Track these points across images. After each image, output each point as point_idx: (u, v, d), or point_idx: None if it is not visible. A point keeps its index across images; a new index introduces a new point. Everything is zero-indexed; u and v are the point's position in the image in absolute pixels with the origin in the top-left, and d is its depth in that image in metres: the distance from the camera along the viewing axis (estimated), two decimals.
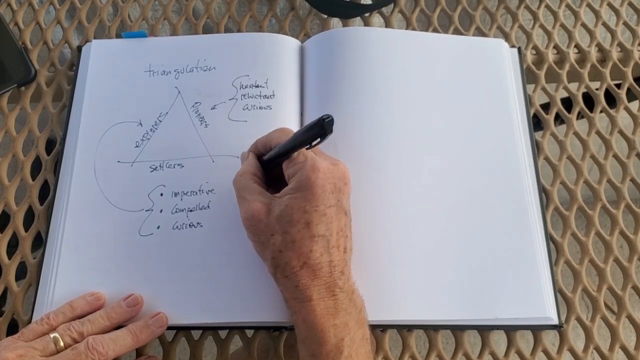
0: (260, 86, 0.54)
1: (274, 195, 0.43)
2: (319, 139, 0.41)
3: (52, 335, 0.42)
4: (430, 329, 0.48)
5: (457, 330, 0.49)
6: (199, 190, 0.50)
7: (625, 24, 0.63)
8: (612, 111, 0.58)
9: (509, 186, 0.51)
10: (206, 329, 0.48)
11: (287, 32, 0.61)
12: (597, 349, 0.49)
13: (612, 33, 0.62)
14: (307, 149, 0.42)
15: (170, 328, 0.46)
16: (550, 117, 0.57)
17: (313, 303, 0.40)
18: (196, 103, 0.54)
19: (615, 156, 0.56)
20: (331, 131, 0.40)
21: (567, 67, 0.60)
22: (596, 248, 0.52)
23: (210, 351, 0.48)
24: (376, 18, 0.64)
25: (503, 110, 0.55)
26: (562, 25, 0.63)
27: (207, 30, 0.62)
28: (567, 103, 0.58)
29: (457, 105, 0.54)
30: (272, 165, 0.45)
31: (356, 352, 0.40)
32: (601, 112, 0.58)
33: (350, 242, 0.43)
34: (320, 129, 0.40)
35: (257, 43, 0.56)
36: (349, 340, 0.40)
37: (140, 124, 0.53)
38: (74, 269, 0.48)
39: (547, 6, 0.64)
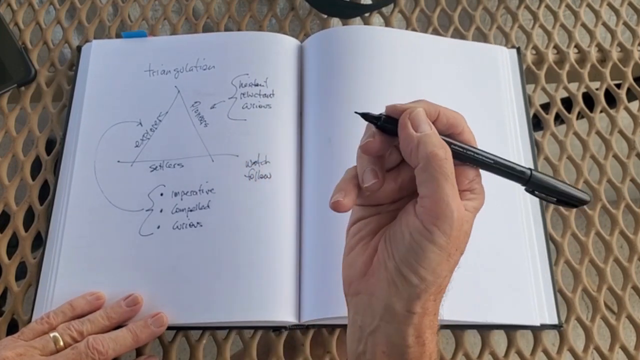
0: (260, 85, 0.54)
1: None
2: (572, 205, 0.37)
3: (52, 335, 0.42)
4: None
5: (457, 330, 0.49)
6: (199, 190, 0.50)
7: (625, 24, 0.63)
8: (612, 111, 0.58)
9: (501, 187, 0.51)
10: (206, 329, 0.48)
11: (287, 32, 0.61)
12: (597, 349, 0.49)
13: (612, 33, 0.62)
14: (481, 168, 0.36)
15: (170, 328, 0.46)
16: (550, 117, 0.57)
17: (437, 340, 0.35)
18: (196, 102, 0.54)
19: (615, 156, 0.56)
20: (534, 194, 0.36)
21: (567, 67, 0.60)
22: (596, 248, 0.52)
23: (210, 351, 0.48)
24: (376, 18, 0.64)
25: (496, 112, 0.54)
26: (562, 25, 0.63)
27: (207, 30, 0.62)
28: (567, 103, 0.58)
29: (453, 106, 0.54)
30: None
31: None
32: (601, 112, 0.58)
33: None
34: (582, 203, 0.36)
35: (256, 42, 0.56)
36: None
37: (140, 123, 0.53)
38: (74, 269, 0.48)
39: (547, 6, 0.64)
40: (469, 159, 0.35)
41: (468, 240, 0.34)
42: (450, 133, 0.36)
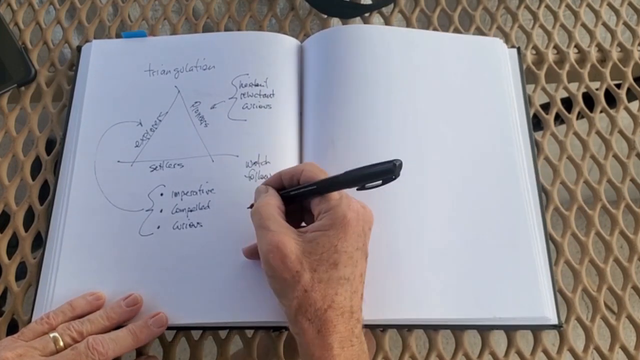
0: (260, 85, 0.54)
1: (298, 230, 0.41)
2: (380, 182, 0.39)
3: (51, 335, 0.42)
4: (430, 329, 0.48)
5: (457, 330, 0.49)
6: (199, 190, 0.50)
7: (625, 24, 0.63)
8: (612, 111, 0.58)
9: (506, 185, 0.51)
10: (206, 329, 0.48)
11: (287, 32, 0.61)
12: (597, 349, 0.49)
13: (612, 33, 0.62)
14: (357, 189, 0.40)
15: (170, 328, 0.46)
16: (550, 117, 0.57)
17: (334, 353, 0.38)
18: (196, 102, 0.54)
19: (615, 156, 0.56)
20: (398, 176, 0.38)
21: (567, 67, 0.60)
22: (596, 248, 0.52)
23: (210, 351, 0.48)
24: (376, 18, 0.64)
25: (500, 109, 0.55)
26: (562, 25, 0.63)
27: (207, 30, 0.62)
28: (567, 103, 0.58)
29: (455, 104, 0.54)
30: (292, 200, 0.43)
31: None
32: (601, 112, 0.58)
33: (363, 289, 0.42)
34: (388, 172, 0.38)
35: (256, 42, 0.56)
36: None
37: (140, 123, 0.53)
38: (74, 269, 0.48)
39: (547, 6, 0.64)
40: (297, 195, 0.42)
41: (326, 256, 0.39)
42: (296, 181, 0.43)
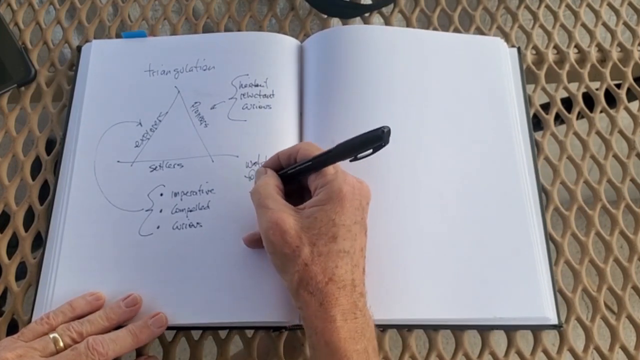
0: (260, 85, 0.54)
1: (296, 207, 0.42)
2: (371, 150, 0.40)
3: (51, 336, 0.42)
4: (430, 329, 0.48)
5: (457, 330, 0.49)
6: (199, 190, 0.50)
7: (625, 24, 0.63)
8: (612, 111, 0.58)
9: (506, 185, 0.51)
10: (206, 329, 0.48)
11: (287, 32, 0.61)
12: (597, 349, 0.49)
13: (612, 33, 0.62)
14: (350, 160, 0.41)
15: (170, 328, 0.46)
16: (550, 117, 0.57)
17: (337, 325, 0.38)
18: (196, 103, 0.54)
19: (615, 156, 0.56)
20: (387, 142, 0.39)
21: (567, 67, 0.60)
22: (596, 248, 0.52)
23: (210, 351, 0.48)
24: (376, 18, 0.64)
25: (500, 109, 0.55)
26: (562, 25, 0.63)
27: (207, 30, 0.62)
28: (567, 103, 0.58)
29: (456, 103, 0.54)
30: (291, 180, 0.44)
31: None
32: (601, 112, 0.58)
33: (365, 263, 0.42)
34: (377, 139, 0.39)
35: (256, 42, 0.56)
36: None
37: (140, 123, 0.53)
38: (74, 269, 0.48)
39: (547, 6, 0.64)
40: (295, 173, 0.44)
41: (327, 231, 0.40)
42: (293, 160, 0.44)
